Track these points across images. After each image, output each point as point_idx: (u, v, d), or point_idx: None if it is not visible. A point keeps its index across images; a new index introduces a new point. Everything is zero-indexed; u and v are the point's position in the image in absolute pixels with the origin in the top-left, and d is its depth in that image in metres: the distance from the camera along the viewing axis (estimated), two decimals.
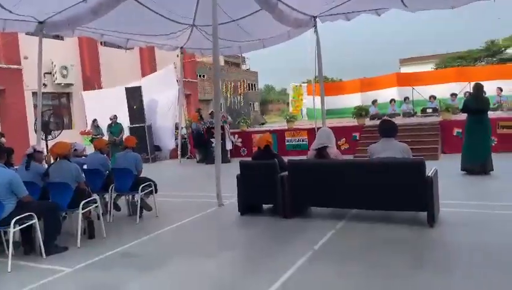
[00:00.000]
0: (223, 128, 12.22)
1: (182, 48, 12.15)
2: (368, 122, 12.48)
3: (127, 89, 14.60)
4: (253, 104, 47.93)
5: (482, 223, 4.75)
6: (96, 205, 5.32)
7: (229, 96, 15.38)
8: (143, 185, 6.03)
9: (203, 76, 35.01)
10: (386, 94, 18.12)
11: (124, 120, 14.03)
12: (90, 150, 7.29)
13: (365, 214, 5.34)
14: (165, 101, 14.98)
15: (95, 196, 5.60)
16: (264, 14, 7.58)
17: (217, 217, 6.10)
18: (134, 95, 14.39)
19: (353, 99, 19.52)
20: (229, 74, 42.01)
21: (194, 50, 12.88)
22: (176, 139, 14.43)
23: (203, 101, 31.02)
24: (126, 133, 13.27)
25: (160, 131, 15.01)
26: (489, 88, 14.49)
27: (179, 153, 13.73)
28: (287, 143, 12.90)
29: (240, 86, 15.34)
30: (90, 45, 18.52)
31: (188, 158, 14.20)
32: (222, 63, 46.35)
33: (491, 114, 9.30)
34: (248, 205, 5.88)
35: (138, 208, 6.02)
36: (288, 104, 21.45)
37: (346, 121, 13.96)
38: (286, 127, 13.24)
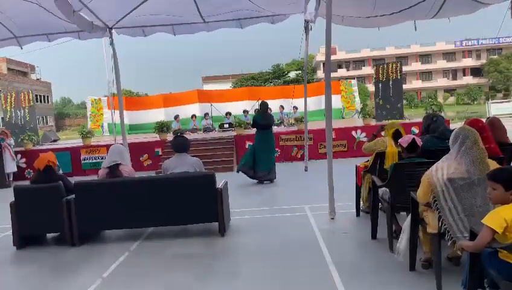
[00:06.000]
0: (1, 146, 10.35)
1: None
2: (170, 137, 12.57)
3: None
4: (45, 119, 42.53)
5: (265, 226, 5.29)
6: None
7: (9, 109, 13.08)
8: None
9: None
10: (189, 110, 18.75)
11: None
12: None
13: (162, 231, 5.25)
14: None
15: None
16: None
17: None
18: None
19: (157, 115, 19.44)
20: (11, 82, 36.27)
21: None
22: None
23: None
24: None
25: None
26: (275, 106, 16.86)
27: None
28: (84, 161, 11.83)
29: (24, 97, 13.25)
30: None
31: None
32: (5, 70, 39.80)
33: (275, 128, 10.68)
34: (27, 237, 5.04)
35: None
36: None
37: (150, 136, 13.76)
38: (82, 144, 12.14)
